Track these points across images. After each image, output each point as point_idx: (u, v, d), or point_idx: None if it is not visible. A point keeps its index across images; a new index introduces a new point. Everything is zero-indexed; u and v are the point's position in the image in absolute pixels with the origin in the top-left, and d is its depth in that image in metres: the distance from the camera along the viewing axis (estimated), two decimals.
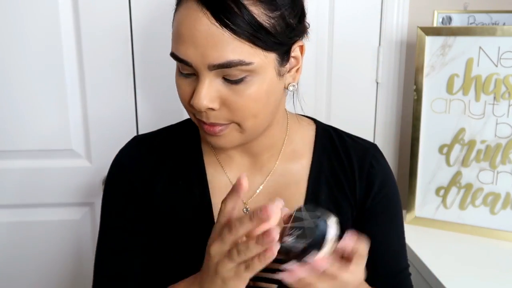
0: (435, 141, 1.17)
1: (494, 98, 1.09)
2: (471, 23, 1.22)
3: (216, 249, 0.55)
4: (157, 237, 0.75)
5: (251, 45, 0.60)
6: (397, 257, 0.79)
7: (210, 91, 0.61)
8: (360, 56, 1.27)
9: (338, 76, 1.27)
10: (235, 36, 0.59)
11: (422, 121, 1.17)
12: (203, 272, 0.59)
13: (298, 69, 0.71)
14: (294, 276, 0.54)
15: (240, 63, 0.60)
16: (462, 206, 1.16)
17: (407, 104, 1.30)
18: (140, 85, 1.20)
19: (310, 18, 1.31)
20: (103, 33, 1.16)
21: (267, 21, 0.61)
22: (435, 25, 1.22)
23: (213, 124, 0.64)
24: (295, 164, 0.76)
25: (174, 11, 0.65)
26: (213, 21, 0.58)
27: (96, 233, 1.26)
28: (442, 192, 1.18)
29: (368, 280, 0.70)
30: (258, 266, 0.53)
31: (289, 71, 0.69)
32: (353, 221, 0.76)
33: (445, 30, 1.12)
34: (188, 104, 0.65)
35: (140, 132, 1.22)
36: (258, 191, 0.75)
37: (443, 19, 1.23)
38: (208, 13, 0.58)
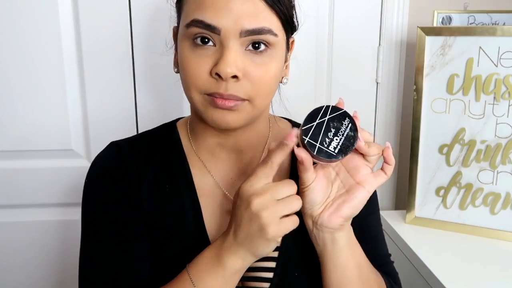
0: (435, 141, 1.17)
1: (494, 98, 1.09)
2: (471, 23, 1.22)
3: (262, 200, 0.57)
4: (147, 241, 0.73)
5: (278, 19, 0.64)
6: (381, 243, 0.82)
7: (237, 59, 0.61)
8: (360, 56, 1.27)
9: (338, 76, 1.27)
10: (267, 6, 0.62)
11: (422, 121, 1.17)
12: (235, 224, 0.60)
13: (288, 64, 0.73)
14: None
15: (269, 32, 0.62)
16: (462, 206, 1.16)
17: (407, 104, 1.30)
18: (140, 85, 1.20)
19: (310, 18, 1.31)
20: (103, 33, 1.16)
21: (290, 3, 0.66)
22: (435, 25, 1.22)
23: (229, 97, 0.63)
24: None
25: None
26: None
27: None
28: (442, 192, 1.18)
29: None
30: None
31: (285, 62, 0.71)
32: None
33: (445, 30, 1.12)
34: (201, 78, 0.63)
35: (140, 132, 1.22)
36: None
37: (443, 19, 1.23)
38: None
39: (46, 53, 1.15)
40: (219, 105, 0.63)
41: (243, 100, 0.64)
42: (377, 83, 1.29)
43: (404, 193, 1.31)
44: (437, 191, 1.18)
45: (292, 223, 0.59)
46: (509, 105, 1.09)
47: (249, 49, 0.63)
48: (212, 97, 0.63)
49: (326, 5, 1.23)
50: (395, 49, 1.27)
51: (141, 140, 0.79)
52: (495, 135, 1.11)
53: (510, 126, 1.09)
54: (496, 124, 1.10)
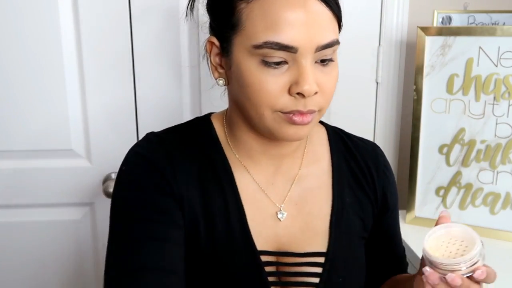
0: (435, 141, 1.17)
1: (494, 98, 1.09)
2: (471, 23, 1.22)
3: None
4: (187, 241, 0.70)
5: (338, 25, 0.66)
6: (400, 243, 0.87)
7: (313, 75, 0.62)
8: (360, 56, 1.27)
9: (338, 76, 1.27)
10: (333, 15, 0.63)
11: (422, 121, 1.17)
12: None
13: None
14: (432, 278, 0.58)
15: (337, 42, 0.64)
16: (462, 206, 1.16)
17: (407, 104, 1.30)
18: (140, 85, 1.20)
19: None
20: (103, 33, 1.16)
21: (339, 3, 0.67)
22: (435, 25, 1.22)
23: (308, 113, 0.63)
24: (316, 167, 0.77)
25: (246, 2, 0.62)
26: (318, 0, 0.61)
27: (96, 233, 1.27)
28: (442, 192, 1.18)
29: (383, 265, 0.81)
30: None
31: None
32: (373, 220, 0.80)
33: (445, 30, 1.12)
34: (277, 97, 0.62)
35: (140, 132, 1.22)
36: (287, 197, 0.74)
37: (443, 19, 1.23)
38: None
39: (46, 53, 1.15)
40: (297, 122, 0.63)
41: (316, 111, 0.65)
42: (377, 83, 1.29)
43: (404, 193, 1.31)
44: (437, 191, 1.18)
45: None
46: (509, 105, 1.09)
47: (317, 62, 0.63)
48: (288, 114, 0.63)
49: None
50: (395, 49, 1.26)
51: (178, 133, 0.75)
52: (495, 135, 1.11)
53: (510, 126, 1.09)
54: (496, 124, 1.10)
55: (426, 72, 1.14)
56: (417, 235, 1.17)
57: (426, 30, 1.12)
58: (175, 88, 1.20)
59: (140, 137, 1.20)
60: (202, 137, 0.74)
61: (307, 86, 0.60)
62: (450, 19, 1.23)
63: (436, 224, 0.62)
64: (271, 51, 0.60)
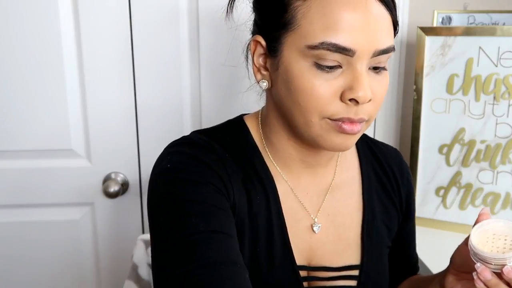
0: (435, 141, 1.17)
1: (494, 98, 1.09)
2: (471, 23, 1.22)
3: None
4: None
5: (394, 31, 0.62)
6: (415, 250, 0.87)
7: (368, 81, 0.58)
8: None
9: None
10: (391, 19, 0.60)
11: (422, 121, 1.17)
12: None
13: None
14: (485, 274, 0.57)
15: (393, 49, 0.61)
16: (462, 206, 1.16)
17: (407, 104, 1.30)
18: (140, 85, 1.20)
19: None
20: (103, 33, 1.16)
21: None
22: (435, 25, 1.22)
23: (358, 121, 0.60)
24: (347, 176, 0.74)
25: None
26: (379, 4, 0.58)
27: (97, 233, 1.27)
28: (442, 192, 1.18)
29: (398, 271, 0.81)
30: None
31: None
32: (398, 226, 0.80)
33: (445, 30, 1.12)
34: (329, 103, 0.58)
35: (140, 132, 1.22)
36: (321, 208, 0.72)
37: (443, 19, 1.23)
38: None
39: (46, 53, 1.15)
40: (346, 130, 0.59)
41: (365, 121, 0.61)
42: None
43: None
44: (437, 191, 1.18)
45: None
46: (509, 105, 1.09)
47: (370, 69, 0.60)
48: (337, 122, 0.59)
49: None
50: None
51: (219, 138, 0.69)
52: (495, 135, 1.11)
53: (510, 126, 1.09)
54: (496, 124, 1.10)
55: (426, 72, 1.14)
56: (417, 235, 1.16)
57: (426, 30, 1.12)
58: (175, 88, 1.20)
59: (140, 137, 1.21)
60: (242, 143, 0.70)
61: (362, 93, 0.57)
62: (450, 19, 1.23)
63: (477, 222, 0.62)
64: (327, 53, 0.57)
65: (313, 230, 0.70)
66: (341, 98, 0.58)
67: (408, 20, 1.26)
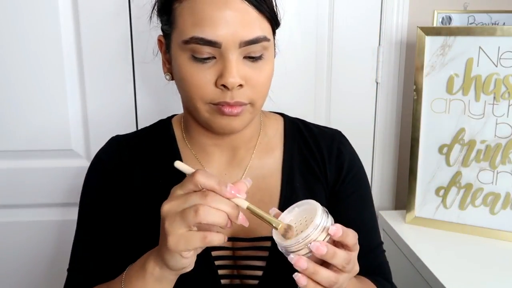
0: (435, 141, 1.17)
1: (494, 98, 1.09)
2: (471, 23, 1.22)
3: (169, 207, 0.56)
4: (134, 234, 0.76)
5: (268, 23, 0.69)
6: (370, 234, 0.83)
7: (238, 68, 0.66)
8: (360, 56, 1.27)
9: (338, 76, 1.27)
10: (260, 14, 0.67)
11: (422, 121, 1.17)
12: (160, 242, 0.60)
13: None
14: (300, 263, 0.55)
15: (264, 39, 0.67)
16: (462, 206, 1.16)
17: (407, 104, 1.30)
18: (140, 85, 1.20)
19: (309, 18, 1.32)
20: (103, 33, 1.16)
21: (272, 3, 0.70)
22: (435, 25, 1.22)
23: (235, 104, 0.67)
24: (269, 157, 0.81)
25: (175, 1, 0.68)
26: (243, 1, 0.65)
27: None
28: (442, 192, 1.18)
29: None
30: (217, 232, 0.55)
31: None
32: (327, 203, 0.81)
33: (445, 30, 1.12)
34: (206, 90, 0.67)
35: None
36: None
37: (443, 19, 1.23)
38: None
39: (46, 53, 1.15)
40: (226, 113, 0.67)
41: (246, 104, 0.68)
42: (377, 83, 1.29)
43: (404, 193, 1.31)
44: (437, 191, 1.18)
45: (200, 240, 0.55)
46: (509, 105, 1.09)
47: (246, 58, 0.67)
48: (218, 106, 0.67)
49: (325, 5, 1.23)
50: (395, 49, 1.26)
51: (139, 134, 0.84)
52: (495, 135, 1.11)
53: (510, 126, 1.09)
54: (496, 124, 1.10)
55: (426, 72, 1.14)
56: (417, 235, 1.17)
57: (426, 30, 1.12)
58: (175, 88, 1.20)
59: None
60: (159, 136, 0.82)
61: (231, 79, 0.65)
62: (450, 19, 1.23)
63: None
64: (198, 47, 0.65)
65: None
66: (216, 84, 0.66)
67: (408, 20, 1.26)
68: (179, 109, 1.21)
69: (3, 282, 1.30)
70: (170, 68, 0.75)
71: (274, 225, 0.57)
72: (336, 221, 0.73)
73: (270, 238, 0.73)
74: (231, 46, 0.65)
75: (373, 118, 1.31)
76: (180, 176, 0.72)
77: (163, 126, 0.84)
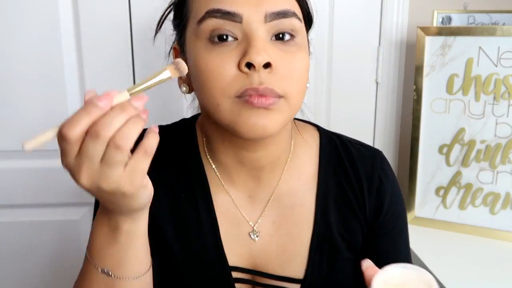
0: (435, 141, 1.17)
1: (494, 98, 1.09)
2: (471, 23, 1.22)
3: (87, 176, 0.46)
4: (156, 247, 0.67)
5: (298, 5, 0.59)
6: (405, 261, 0.77)
7: (266, 47, 0.54)
8: (360, 56, 1.27)
9: (338, 76, 1.27)
10: None
11: (422, 121, 1.17)
12: None
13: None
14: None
15: (294, 15, 0.56)
16: (462, 206, 1.16)
17: (407, 104, 1.30)
18: None
19: None
20: (103, 33, 1.16)
21: None
22: (435, 25, 1.22)
23: (265, 93, 0.54)
24: (299, 182, 0.69)
25: None
26: None
27: None
28: (442, 192, 1.18)
29: None
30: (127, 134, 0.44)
31: None
32: (363, 240, 0.71)
33: (445, 30, 1.12)
34: (227, 77, 0.54)
35: None
36: (263, 214, 0.68)
37: (443, 19, 1.23)
38: None
39: (46, 53, 1.15)
40: (254, 103, 0.54)
41: (280, 97, 0.55)
42: (377, 83, 1.29)
43: (404, 193, 1.31)
44: (437, 191, 1.18)
45: (142, 156, 0.46)
46: (509, 105, 1.09)
47: (274, 39, 0.56)
48: (245, 97, 0.54)
49: (325, 5, 1.23)
50: (395, 49, 1.26)
51: (163, 136, 0.70)
52: (495, 135, 1.11)
53: (510, 126, 1.09)
54: (496, 124, 1.10)
55: (426, 72, 1.14)
56: (417, 235, 1.17)
57: (426, 30, 1.12)
58: (175, 88, 1.20)
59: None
60: (183, 143, 0.70)
61: (254, 55, 0.52)
62: (450, 19, 1.23)
63: (366, 276, 0.54)
64: (214, 21, 0.54)
65: (251, 237, 0.68)
66: (239, 67, 0.54)
67: (408, 20, 1.26)
68: (178, 110, 1.21)
69: (3, 282, 1.30)
70: (188, 79, 0.63)
71: (162, 74, 0.50)
72: (370, 251, 0.70)
73: (300, 281, 0.67)
74: (255, 19, 0.54)
75: (373, 118, 1.31)
76: (203, 192, 0.67)
77: (187, 132, 0.71)
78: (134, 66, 1.19)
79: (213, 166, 0.68)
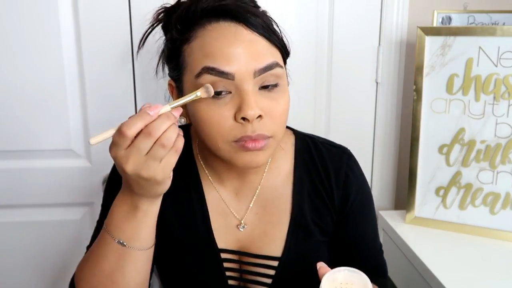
0: (435, 141, 1.17)
1: (494, 98, 1.09)
2: (471, 23, 1.22)
3: (133, 165, 0.59)
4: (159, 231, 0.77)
5: (278, 51, 0.69)
6: (374, 243, 0.86)
7: (256, 99, 0.65)
8: (360, 56, 1.27)
9: (338, 76, 1.27)
10: (269, 43, 0.67)
11: (422, 121, 1.17)
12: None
13: None
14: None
15: (277, 65, 0.66)
16: (462, 206, 1.16)
17: (407, 104, 1.30)
18: (140, 85, 1.20)
19: (310, 18, 1.31)
20: (103, 33, 1.16)
21: (280, 33, 0.71)
22: (435, 25, 1.22)
23: (258, 138, 0.66)
24: (278, 179, 0.81)
25: (181, 37, 0.68)
26: (251, 32, 0.66)
27: None
28: (442, 192, 1.18)
29: (350, 265, 0.77)
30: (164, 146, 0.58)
31: None
32: (333, 227, 0.82)
33: (445, 30, 1.12)
34: (226, 127, 0.65)
35: None
36: (248, 210, 0.80)
37: (443, 19, 1.23)
38: (244, 26, 0.66)
39: (46, 54, 1.15)
40: (250, 148, 0.66)
41: (269, 137, 0.67)
42: (377, 83, 1.29)
43: (404, 193, 1.31)
44: (437, 191, 1.18)
45: (173, 155, 0.59)
46: (509, 105, 1.09)
47: (262, 89, 0.66)
48: (241, 142, 0.66)
49: (326, 5, 1.23)
50: (395, 49, 1.26)
51: None
52: (495, 135, 1.11)
53: (510, 126, 1.09)
54: (496, 124, 1.10)
55: (426, 72, 1.14)
56: (417, 235, 1.17)
57: (426, 30, 1.12)
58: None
59: None
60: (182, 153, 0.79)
61: (250, 111, 0.63)
62: (450, 19, 1.23)
63: (320, 274, 0.63)
64: (210, 78, 0.64)
65: (239, 229, 0.80)
66: (235, 119, 0.65)
67: (408, 20, 1.26)
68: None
69: (3, 282, 1.30)
70: (185, 112, 0.72)
71: (195, 94, 0.63)
72: (340, 235, 0.83)
73: (278, 258, 0.78)
74: (246, 77, 0.64)
75: (373, 118, 1.31)
76: (196, 188, 0.79)
77: (184, 137, 0.82)
78: (134, 67, 1.19)
79: (204, 168, 0.80)
